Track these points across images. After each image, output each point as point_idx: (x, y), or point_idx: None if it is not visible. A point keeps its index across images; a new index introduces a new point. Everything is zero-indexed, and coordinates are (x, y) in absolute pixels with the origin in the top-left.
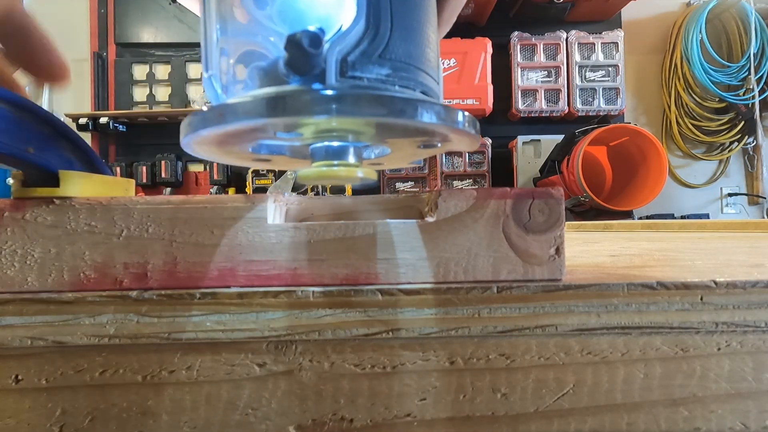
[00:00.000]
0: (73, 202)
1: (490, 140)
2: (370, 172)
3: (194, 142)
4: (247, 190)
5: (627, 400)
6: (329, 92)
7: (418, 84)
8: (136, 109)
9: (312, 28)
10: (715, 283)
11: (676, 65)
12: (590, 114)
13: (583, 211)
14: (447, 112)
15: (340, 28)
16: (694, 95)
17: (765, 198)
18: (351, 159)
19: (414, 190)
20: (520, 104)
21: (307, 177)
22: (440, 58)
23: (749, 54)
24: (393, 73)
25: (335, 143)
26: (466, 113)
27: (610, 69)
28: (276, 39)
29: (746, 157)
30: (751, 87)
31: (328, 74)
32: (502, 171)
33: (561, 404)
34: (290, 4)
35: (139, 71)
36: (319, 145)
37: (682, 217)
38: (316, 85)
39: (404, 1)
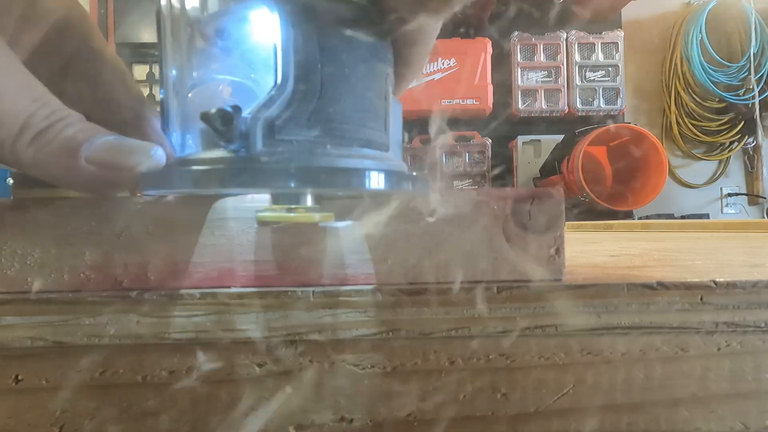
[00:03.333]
0: (73, 202)
1: (490, 140)
2: (328, 216)
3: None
4: None
5: (627, 400)
6: (240, 166)
7: (354, 140)
8: None
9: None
10: (715, 283)
11: (676, 65)
12: (590, 114)
13: (583, 211)
14: (361, 174)
15: (267, 95)
16: (694, 95)
17: (765, 198)
18: (308, 203)
19: None
20: (520, 104)
21: (265, 219)
22: (394, 104)
23: (749, 54)
24: (324, 133)
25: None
26: (401, 174)
27: (610, 69)
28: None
29: (746, 157)
30: (751, 87)
31: (252, 141)
32: (502, 171)
33: (561, 404)
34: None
35: (139, 71)
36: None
37: (682, 217)
38: (242, 152)
39: (336, 60)
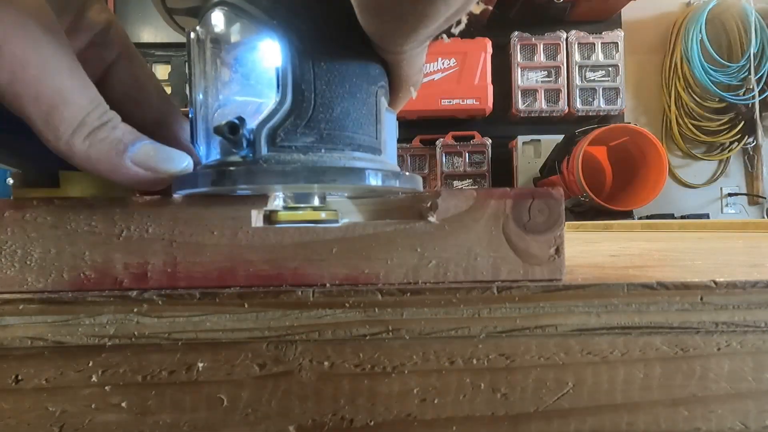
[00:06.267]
0: (73, 202)
1: (490, 140)
2: (333, 215)
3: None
4: None
5: (627, 400)
6: (246, 167)
7: (347, 144)
8: None
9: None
10: (715, 283)
11: (676, 65)
12: (590, 114)
13: (583, 211)
14: (350, 172)
15: (270, 108)
16: (694, 95)
17: (765, 198)
18: (315, 202)
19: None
20: (520, 104)
21: (280, 219)
22: (388, 113)
23: (749, 54)
24: (319, 139)
25: (303, 189)
26: (387, 172)
27: (610, 69)
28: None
29: (746, 157)
30: (751, 87)
31: (257, 147)
32: (502, 171)
33: (561, 404)
34: (235, 93)
35: None
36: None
37: (682, 217)
38: (250, 157)
39: (328, 78)
